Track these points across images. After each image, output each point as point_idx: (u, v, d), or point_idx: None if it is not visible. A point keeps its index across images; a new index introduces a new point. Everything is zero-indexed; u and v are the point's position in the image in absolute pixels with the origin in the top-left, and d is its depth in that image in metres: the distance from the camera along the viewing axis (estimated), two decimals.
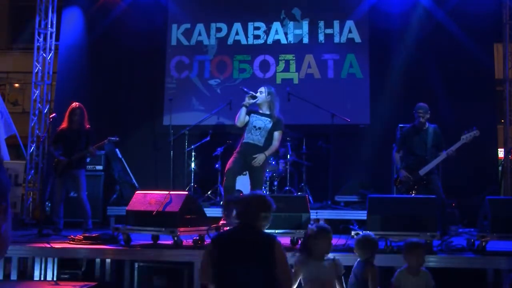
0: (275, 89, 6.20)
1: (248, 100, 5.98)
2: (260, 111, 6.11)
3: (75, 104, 6.75)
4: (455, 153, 6.10)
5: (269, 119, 6.03)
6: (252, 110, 6.13)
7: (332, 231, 3.72)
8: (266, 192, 7.49)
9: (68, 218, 6.90)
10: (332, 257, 3.74)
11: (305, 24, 9.09)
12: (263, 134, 6.02)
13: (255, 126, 6.03)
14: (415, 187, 6.20)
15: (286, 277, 3.13)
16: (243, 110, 5.97)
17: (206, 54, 9.27)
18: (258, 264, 3.08)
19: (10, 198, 1.64)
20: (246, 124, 6.05)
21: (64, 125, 6.74)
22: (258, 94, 6.06)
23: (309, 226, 3.91)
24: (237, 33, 9.25)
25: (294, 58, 9.03)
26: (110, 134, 6.86)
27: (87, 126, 6.71)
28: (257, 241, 3.14)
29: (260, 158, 5.92)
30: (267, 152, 6.00)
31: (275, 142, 6.08)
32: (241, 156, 5.99)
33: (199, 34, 9.31)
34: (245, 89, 6.06)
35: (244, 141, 6.06)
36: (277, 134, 6.05)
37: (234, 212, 3.26)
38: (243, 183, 6.96)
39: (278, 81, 8.98)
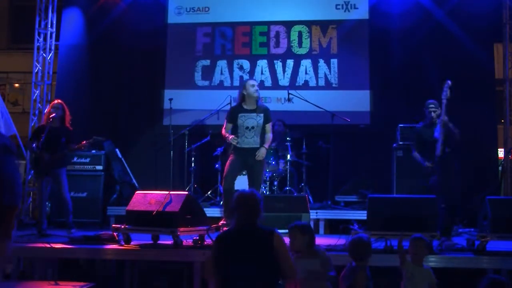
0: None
1: (234, 142, 5.98)
2: (246, 107, 6.07)
3: (56, 101, 6.65)
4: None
5: (257, 114, 6.01)
6: (238, 108, 6.11)
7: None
8: (266, 192, 7.49)
9: (62, 218, 6.84)
10: (322, 253, 3.78)
11: (305, 26, 9.11)
12: (257, 133, 6.00)
13: (247, 127, 5.99)
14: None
15: (288, 266, 3.23)
16: (232, 141, 5.99)
17: None
18: (260, 257, 3.18)
19: None
20: (235, 126, 6.05)
21: (43, 122, 6.64)
22: (253, 88, 6.04)
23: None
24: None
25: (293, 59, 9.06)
26: (109, 134, 6.86)
27: (68, 124, 6.52)
28: (258, 235, 3.26)
29: (262, 152, 5.95)
30: (267, 145, 6.04)
31: (269, 134, 6.11)
32: (239, 158, 5.98)
33: None
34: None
35: (238, 146, 6.01)
36: (268, 126, 6.08)
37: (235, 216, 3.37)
38: (242, 183, 6.96)
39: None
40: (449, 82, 5.92)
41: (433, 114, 6.19)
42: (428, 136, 6.21)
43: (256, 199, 3.34)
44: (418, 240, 4.07)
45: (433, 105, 6.22)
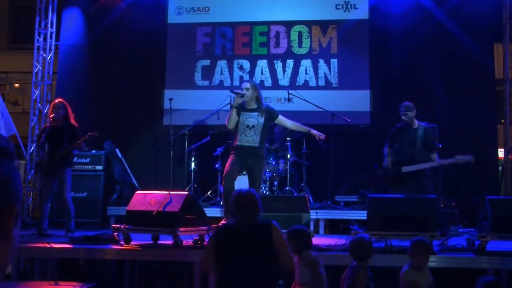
0: (256, 82, 6.30)
1: (237, 100, 5.96)
2: (248, 107, 6.07)
3: (56, 100, 6.57)
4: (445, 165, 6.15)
5: (259, 113, 6.01)
6: (240, 107, 6.11)
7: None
8: (266, 192, 7.49)
9: (62, 218, 6.83)
10: (310, 255, 3.76)
11: (305, 26, 9.11)
12: (257, 132, 5.99)
13: (248, 126, 5.99)
14: (394, 181, 6.23)
15: (286, 257, 3.24)
16: (234, 112, 5.95)
17: None
18: (258, 250, 3.18)
19: None
20: (236, 124, 6.04)
21: (47, 123, 6.62)
22: (245, 91, 6.03)
23: None
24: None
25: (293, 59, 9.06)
26: (109, 134, 6.84)
27: (72, 122, 6.43)
28: (256, 229, 3.28)
29: (315, 132, 6.11)
30: (307, 128, 6.22)
31: (290, 122, 6.25)
32: (238, 158, 5.98)
33: None
34: (235, 91, 6.07)
35: (238, 144, 5.99)
36: (281, 117, 6.14)
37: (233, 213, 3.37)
38: (241, 183, 6.95)
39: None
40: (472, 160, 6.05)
41: (403, 117, 6.36)
42: (404, 139, 6.36)
43: (255, 198, 3.34)
44: (420, 246, 3.95)
45: (402, 108, 6.41)
